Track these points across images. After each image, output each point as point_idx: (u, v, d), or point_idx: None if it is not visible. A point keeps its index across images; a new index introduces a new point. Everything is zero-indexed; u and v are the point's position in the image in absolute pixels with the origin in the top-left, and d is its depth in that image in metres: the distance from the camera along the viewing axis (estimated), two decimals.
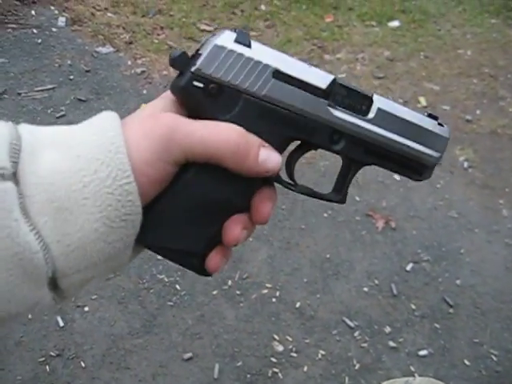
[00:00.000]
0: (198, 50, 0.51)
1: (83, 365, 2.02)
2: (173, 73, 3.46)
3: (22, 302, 0.44)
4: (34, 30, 3.66)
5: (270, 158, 0.51)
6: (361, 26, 4.29)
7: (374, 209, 2.79)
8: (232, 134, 0.49)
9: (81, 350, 2.05)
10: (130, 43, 3.67)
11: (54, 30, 3.69)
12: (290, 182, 0.59)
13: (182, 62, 0.50)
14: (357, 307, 2.34)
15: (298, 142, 0.57)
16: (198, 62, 0.49)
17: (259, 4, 4.33)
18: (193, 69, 0.49)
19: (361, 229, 2.68)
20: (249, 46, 0.51)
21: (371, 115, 0.56)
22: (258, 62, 0.51)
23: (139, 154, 0.46)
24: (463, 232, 2.76)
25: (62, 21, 3.76)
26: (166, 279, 2.32)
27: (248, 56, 0.50)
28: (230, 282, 2.35)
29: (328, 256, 2.53)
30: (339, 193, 0.60)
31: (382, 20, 4.36)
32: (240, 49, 0.50)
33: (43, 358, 2.02)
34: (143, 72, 3.46)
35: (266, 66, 0.51)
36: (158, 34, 3.81)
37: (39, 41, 3.58)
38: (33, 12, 3.82)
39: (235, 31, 0.51)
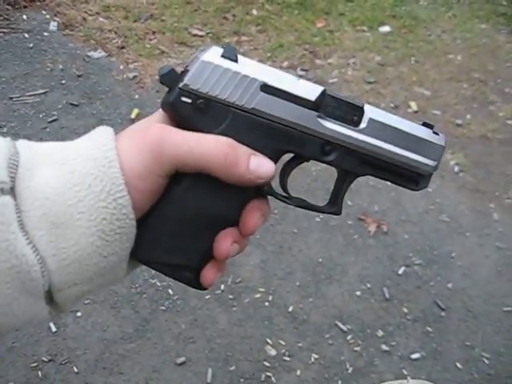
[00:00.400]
0: (186, 66, 0.52)
1: (76, 370, 2.01)
2: None
3: (19, 316, 0.45)
4: (26, 35, 3.66)
5: (261, 164, 0.51)
6: (352, 31, 4.31)
7: (365, 213, 2.80)
8: (220, 144, 0.49)
9: (73, 355, 2.05)
10: (122, 48, 3.68)
11: (45, 34, 3.69)
12: (284, 194, 0.59)
13: (170, 78, 0.51)
14: (349, 311, 2.35)
15: (291, 155, 0.57)
16: (186, 78, 0.50)
17: (251, 9, 4.35)
18: (180, 85, 0.50)
19: (353, 233, 2.69)
20: (236, 60, 0.51)
21: (363, 125, 0.56)
22: (246, 76, 0.51)
23: (131, 167, 0.46)
24: (454, 236, 2.77)
25: (53, 25, 3.76)
26: (159, 284, 2.32)
27: (235, 70, 0.51)
28: (222, 287, 2.35)
29: (320, 260, 2.54)
30: (334, 204, 0.60)
31: (373, 25, 4.39)
32: (227, 64, 0.51)
33: (35, 364, 2.01)
34: (135, 77, 3.46)
35: (254, 79, 0.52)
36: (150, 39, 3.82)
37: (31, 45, 3.58)
38: (24, 16, 3.82)
39: (222, 47, 0.51)
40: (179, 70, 0.52)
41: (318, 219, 2.71)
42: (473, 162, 3.26)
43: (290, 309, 2.32)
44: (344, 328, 2.28)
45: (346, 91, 3.62)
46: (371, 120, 0.56)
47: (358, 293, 2.42)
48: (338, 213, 0.60)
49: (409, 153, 0.58)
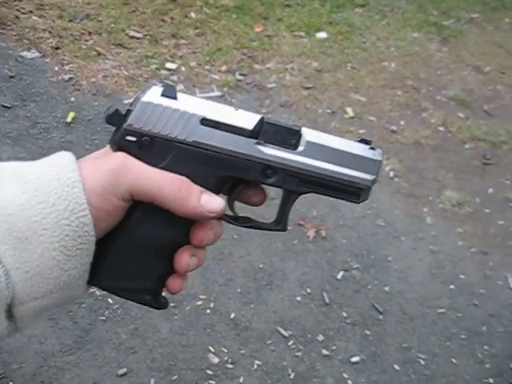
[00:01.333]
0: (130, 105, 0.56)
1: None
2: (101, 80, 3.40)
3: None
4: None
5: (212, 200, 0.56)
6: (290, 36, 4.36)
7: (304, 218, 2.84)
8: (176, 178, 0.54)
9: (9, 370, 1.97)
10: (57, 48, 3.57)
11: None
12: (231, 215, 0.63)
13: (115, 118, 0.56)
14: (290, 316, 2.37)
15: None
16: (129, 119, 0.55)
17: (189, 12, 4.32)
18: (125, 125, 0.55)
19: (292, 238, 2.72)
20: (175, 98, 0.56)
21: (301, 148, 0.60)
22: (185, 112, 0.56)
23: (90, 185, 0.50)
24: (390, 240, 2.85)
25: None
26: (98, 293, 2.27)
27: (175, 108, 0.56)
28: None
29: (261, 266, 2.55)
30: (280, 222, 0.65)
31: (310, 31, 4.45)
32: (166, 102, 0.56)
33: None
34: (71, 79, 3.37)
35: (193, 114, 0.57)
36: (86, 40, 3.73)
37: None
38: None
39: (162, 86, 0.56)
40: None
41: None
42: (407, 167, 3.36)
43: (232, 315, 2.32)
44: (285, 334, 2.30)
45: (284, 96, 3.66)
46: (308, 142, 0.60)
47: (299, 298, 2.45)
48: (284, 230, 0.65)
49: (346, 169, 0.62)
